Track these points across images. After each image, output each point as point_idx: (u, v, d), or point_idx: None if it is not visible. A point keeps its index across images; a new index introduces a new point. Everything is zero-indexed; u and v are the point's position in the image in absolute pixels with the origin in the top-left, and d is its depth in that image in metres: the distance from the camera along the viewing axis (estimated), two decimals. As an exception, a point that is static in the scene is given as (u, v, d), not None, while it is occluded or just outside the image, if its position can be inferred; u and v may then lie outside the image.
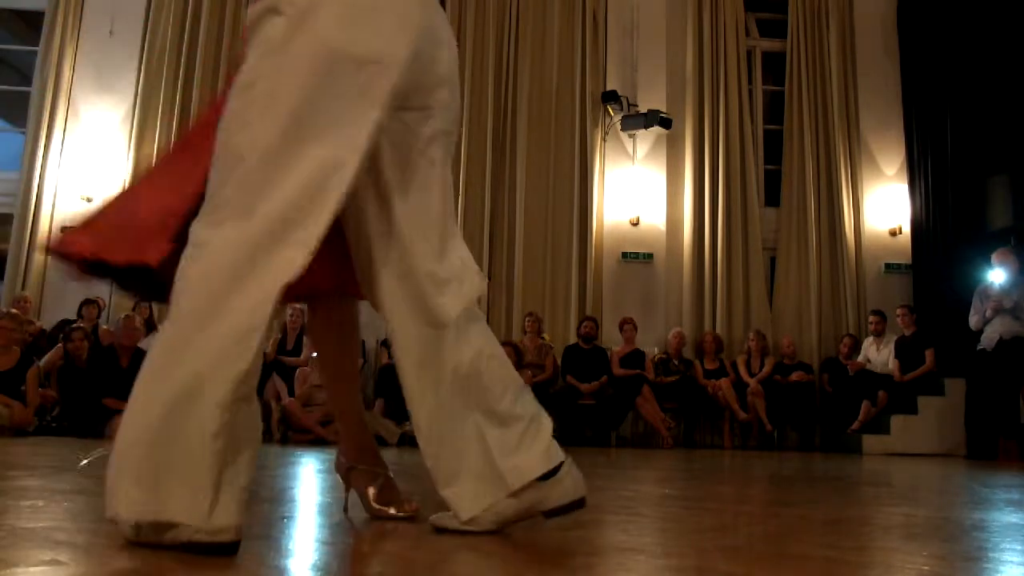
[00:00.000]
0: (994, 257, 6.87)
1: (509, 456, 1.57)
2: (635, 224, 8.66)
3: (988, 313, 6.73)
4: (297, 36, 1.38)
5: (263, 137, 1.37)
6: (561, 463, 1.60)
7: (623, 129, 8.74)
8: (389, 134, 1.52)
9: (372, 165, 1.50)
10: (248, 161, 1.36)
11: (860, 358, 8.06)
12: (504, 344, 7.19)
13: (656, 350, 8.24)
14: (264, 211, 1.34)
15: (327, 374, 1.98)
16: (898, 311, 7.99)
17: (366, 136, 1.40)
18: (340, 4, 1.41)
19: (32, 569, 1.18)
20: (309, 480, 3.25)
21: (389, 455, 5.23)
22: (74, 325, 6.94)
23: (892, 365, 7.78)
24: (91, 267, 1.55)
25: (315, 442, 6.30)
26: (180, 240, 1.43)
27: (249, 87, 1.41)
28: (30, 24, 9.48)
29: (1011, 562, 1.60)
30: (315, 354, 2.03)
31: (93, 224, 1.62)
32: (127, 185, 1.70)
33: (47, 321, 7.72)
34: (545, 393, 7.53)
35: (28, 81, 9.02)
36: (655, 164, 8.87)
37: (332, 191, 1.38)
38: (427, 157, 1.57)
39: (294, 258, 1.34)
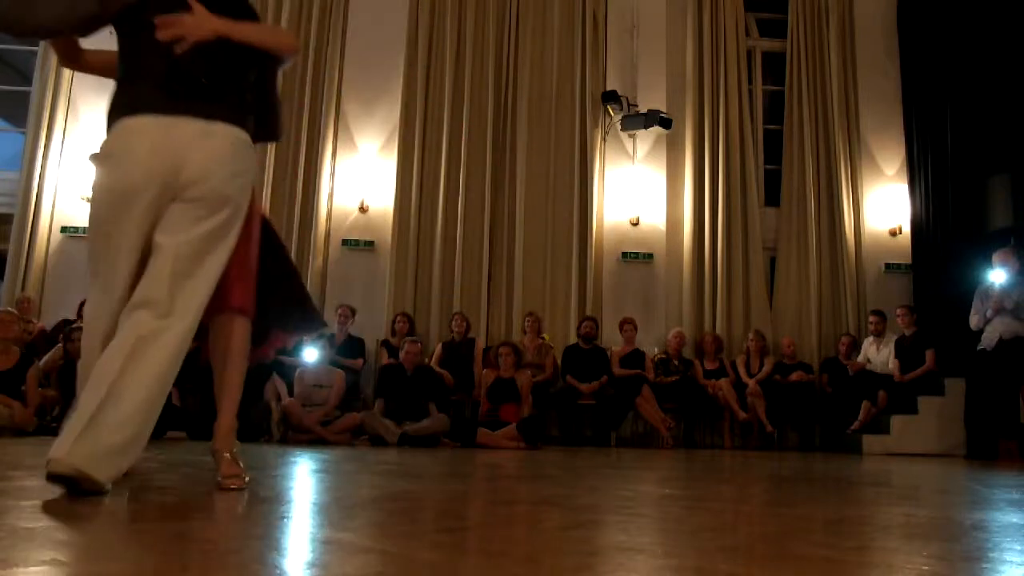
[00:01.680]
0: (994, 257, 6.86)
1: None
2: (635, 224, 8.66)
3: (989, 313, 6.72)
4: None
5: None
6: None
7: (623, 129, 8.74)
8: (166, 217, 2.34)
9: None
10: None
11: (860, 358, 8.06)
12: (504, 344, 7.21)
13: (656, 350, 8.24)
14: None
15: None
16: (898, 311, 7.98)
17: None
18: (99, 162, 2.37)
19: (32, 569, 1.18)
20: (308, 480, 3.25)
21: (389, 455, 5.23)
22: (75, 325, 6.93)
23: (892, 365, 7.77)
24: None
25: (315, 442, 6.29)
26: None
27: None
28: (30, 24, 9.47)
29: (1011, 562, 1.60)
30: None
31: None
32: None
33: (47, 321, 7.72)
34: (545, 393, 7.53)
35: (28, 81, 9.02)
36: (655, 164, 8.86)
37: None
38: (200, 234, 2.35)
39: None
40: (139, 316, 2.24)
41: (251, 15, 2.58)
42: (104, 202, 2.33)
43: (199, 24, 2.31)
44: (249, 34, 2.44)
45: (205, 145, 2.34)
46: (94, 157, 2.37)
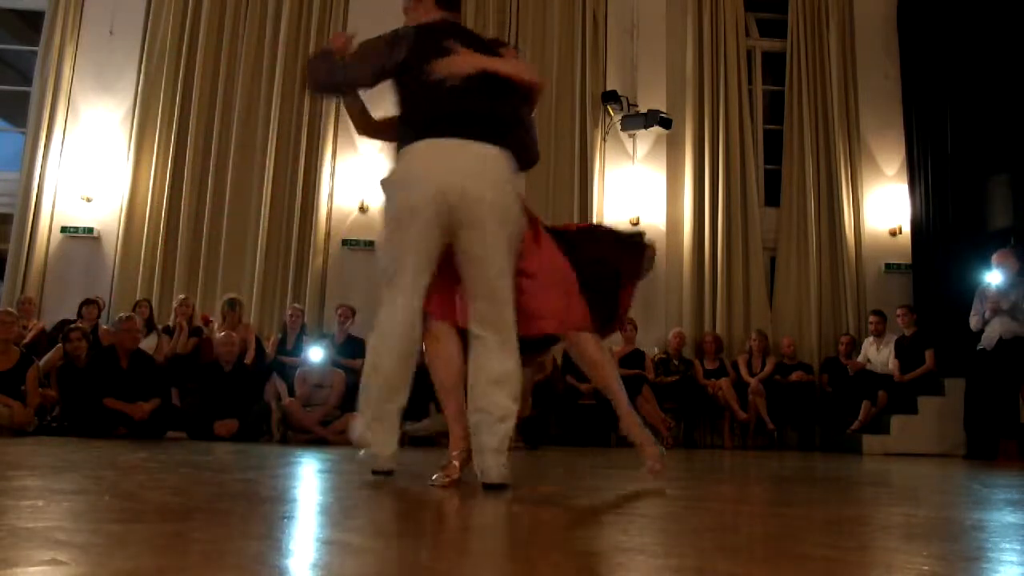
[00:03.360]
0: (994, 258, 6.85)
1: None
2: (635, 224, 8.64)
3: (987, 314, 6.72)
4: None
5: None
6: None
7: (623, 129, 8.74)
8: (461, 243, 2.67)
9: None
10: None
11: (860, 358, 8.06)
12: (504, 344, 7.19)
13: (656, 350, 8.24)
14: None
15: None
16: (898, 311, 7.98)
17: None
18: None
19: (32, 569, 1.18)
20: (309, 480, 3.25)
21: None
22: (72, 325, 6.93)
23: (892, 365, 7.77)
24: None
25: (315, 442, 6.29)
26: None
27: None
28: (30, 24, 9.48)
29: (1011, 562, 1.60)
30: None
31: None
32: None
33: (47, 321, 7.72)
34: (545, 393, 7.52)
35: (28, 81, 9.02)
36: (655, 164, 8.86)
37: None
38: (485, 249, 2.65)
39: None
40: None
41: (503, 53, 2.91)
42: (397, 208, 2.69)
43: (466, 61, 2.67)
44: (506, 67, 2.74)
45: (478, 164, 2.65)
46: (383, 183, 2.75)
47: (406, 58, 2.75)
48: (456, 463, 2.73)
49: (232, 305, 7.32)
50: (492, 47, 2.91)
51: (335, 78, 2.89)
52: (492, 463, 2.56)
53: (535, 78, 2.90)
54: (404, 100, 2.81)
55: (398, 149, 2.76)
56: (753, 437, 7.83)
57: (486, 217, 2.62)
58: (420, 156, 2.67)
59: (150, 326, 7.35)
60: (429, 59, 2.67)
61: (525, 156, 2.97)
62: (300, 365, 7.00)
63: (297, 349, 7.52)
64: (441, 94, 2.66)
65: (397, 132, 2.83)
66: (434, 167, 2.63)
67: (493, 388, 2.60)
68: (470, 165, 2.64)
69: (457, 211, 2.61)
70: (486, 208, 2.62)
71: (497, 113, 2.76)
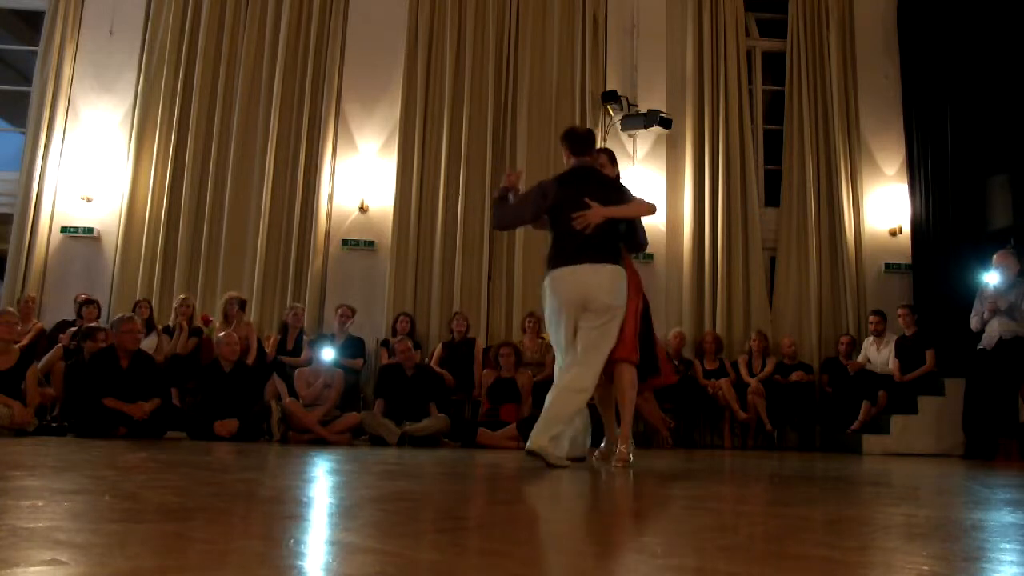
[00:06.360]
0: (994, 259, 6.86)
1: None
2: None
3: (986, 315, 6.72)
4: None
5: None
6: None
7: (623, 129, 8.74)
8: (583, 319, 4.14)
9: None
10: None
11: (860, 358, 8.06)
12: (504, 344, 7.20)
13: (656, 350, 8.22)
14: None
15: None
16: (899, 311, 7.98)
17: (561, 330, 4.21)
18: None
19: (32, 569, 1.18)
20: (310, 480, 3.25)
21: (389, 455, 5.23)
22: (93, 325, 6.89)
23: (892, 365, 7.77)
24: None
25: (315, 442, 6.29)
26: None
27: None
28: (30, 24, 9.49)
29: (1011, 562, 1.60)
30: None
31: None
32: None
33: (47, 321, 7.72)
34: (545, 392, 7.51)
35: (28, 81, 9.02)
36: (655, 164, 8.86)
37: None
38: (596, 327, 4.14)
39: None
40: (564, 372, 4.22)
41: (622, 189, 4.35)
42: (551, 308, 4.21)
43: (596, 214, 4.08)
44: (624, 212, 4.20)
45: (596, 278, 4.09)
46: (545, 287, 4.25)
47: (553, 204, 4.16)
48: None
49: (242, 305, 7.40)
50: (614, 186, 4.34)
51: (508, 220, 4.52)
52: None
53: (647, 208, 4.32)
54: (556, 234, 4.19)
55: (551, 265, 4.17)
56: (753, 437, 7.83)
57: (600, 310, 4.08)
58: (562, 277, 4.11)
59: (150, 326, 7.35)
60: (571, 207, 4.08)
61: (635, 247, 4.45)
62: (310, 364, 6.99)
63: (297, 349, 7.52)
64: (579, 236, 4.07)
65: (551, 250, 4.22)
66: (571, 284, 4.09)
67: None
68: (592, 279, 4.07)
69: (585, 306, 4.09)
70: (600, 305, 4.08)
71: (612, 244, 4.18)
